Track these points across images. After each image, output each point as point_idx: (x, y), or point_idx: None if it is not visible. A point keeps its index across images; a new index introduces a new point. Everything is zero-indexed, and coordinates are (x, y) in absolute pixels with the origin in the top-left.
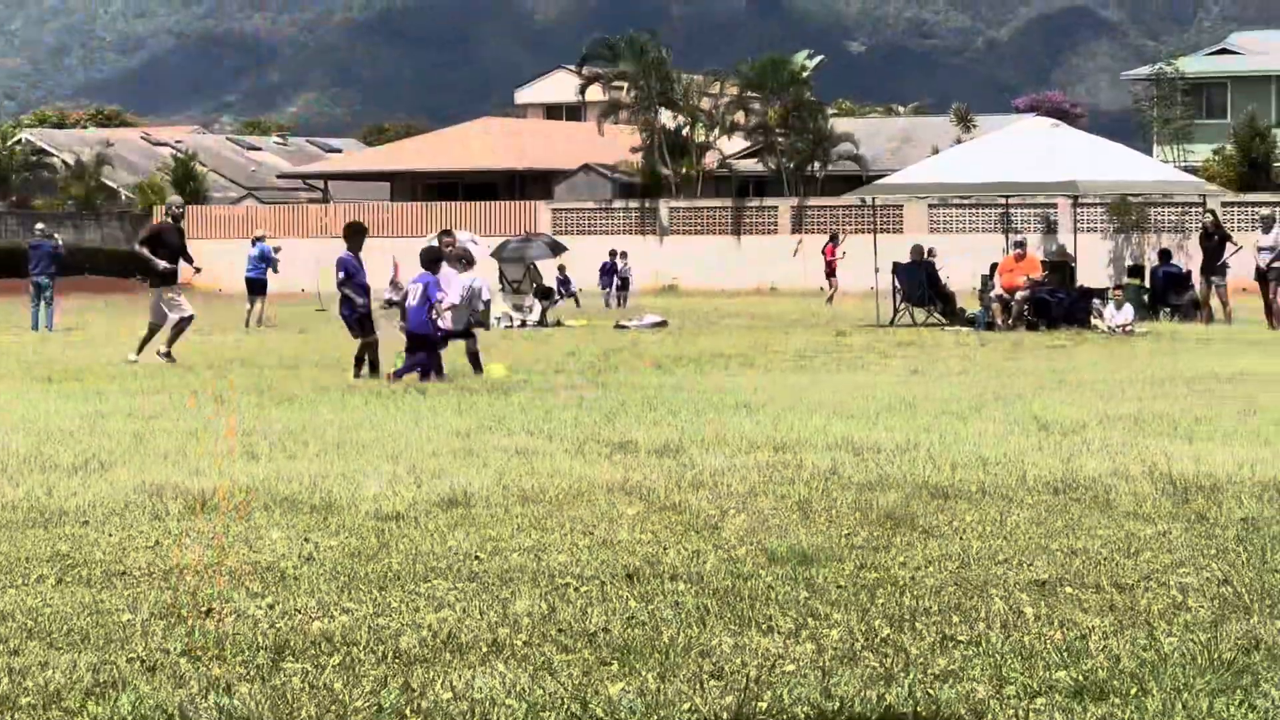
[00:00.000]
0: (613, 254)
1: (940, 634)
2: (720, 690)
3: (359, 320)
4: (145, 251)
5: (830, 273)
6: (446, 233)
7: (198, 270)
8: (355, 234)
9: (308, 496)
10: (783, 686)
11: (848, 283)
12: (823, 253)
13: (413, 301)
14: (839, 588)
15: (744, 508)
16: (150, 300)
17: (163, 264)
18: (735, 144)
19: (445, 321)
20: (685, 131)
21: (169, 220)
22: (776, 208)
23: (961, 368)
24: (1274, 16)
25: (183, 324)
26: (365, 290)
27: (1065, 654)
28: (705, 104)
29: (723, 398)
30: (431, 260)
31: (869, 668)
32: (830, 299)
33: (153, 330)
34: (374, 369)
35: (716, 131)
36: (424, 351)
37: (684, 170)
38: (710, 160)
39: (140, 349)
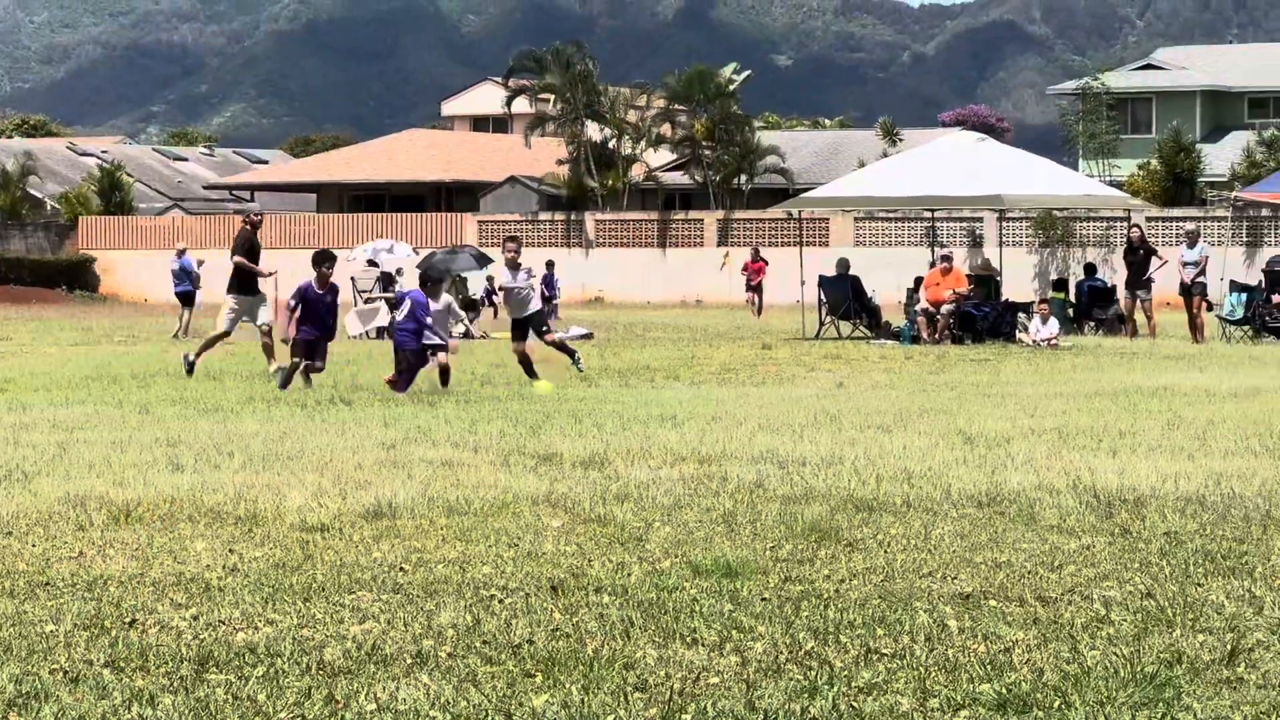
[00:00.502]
0: (550, 265)
1: (864, 647)
2: (644, 702)
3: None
4: (246, 262)
5: (752, 287)
6: (512, 239)
7: (271, 274)
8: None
9: (232, 508)
10: (707, 699)
11: (772, 294)
12: (744, 269)
13: (400, 317)
14: (763, 600)
15: (669, 520)
16: (237, 308)
17: (267, 270)
18: (661, 156)
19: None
20: (612, 144)
21: (249, 229)
22: (702, 220)
23: (887, 381)
24: (1199, 32)
25: (219, 339)
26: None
27: (989, 667)
28: (632, 116)
29: (648, 410)
30: (429, 280)
31: (793, 680)
32: (759, 312)
33: (224, 335)
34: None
35: (643, 144)
36: (414, 366)
37: (610, 183)
38: (636, 173)
39: (273, 366)
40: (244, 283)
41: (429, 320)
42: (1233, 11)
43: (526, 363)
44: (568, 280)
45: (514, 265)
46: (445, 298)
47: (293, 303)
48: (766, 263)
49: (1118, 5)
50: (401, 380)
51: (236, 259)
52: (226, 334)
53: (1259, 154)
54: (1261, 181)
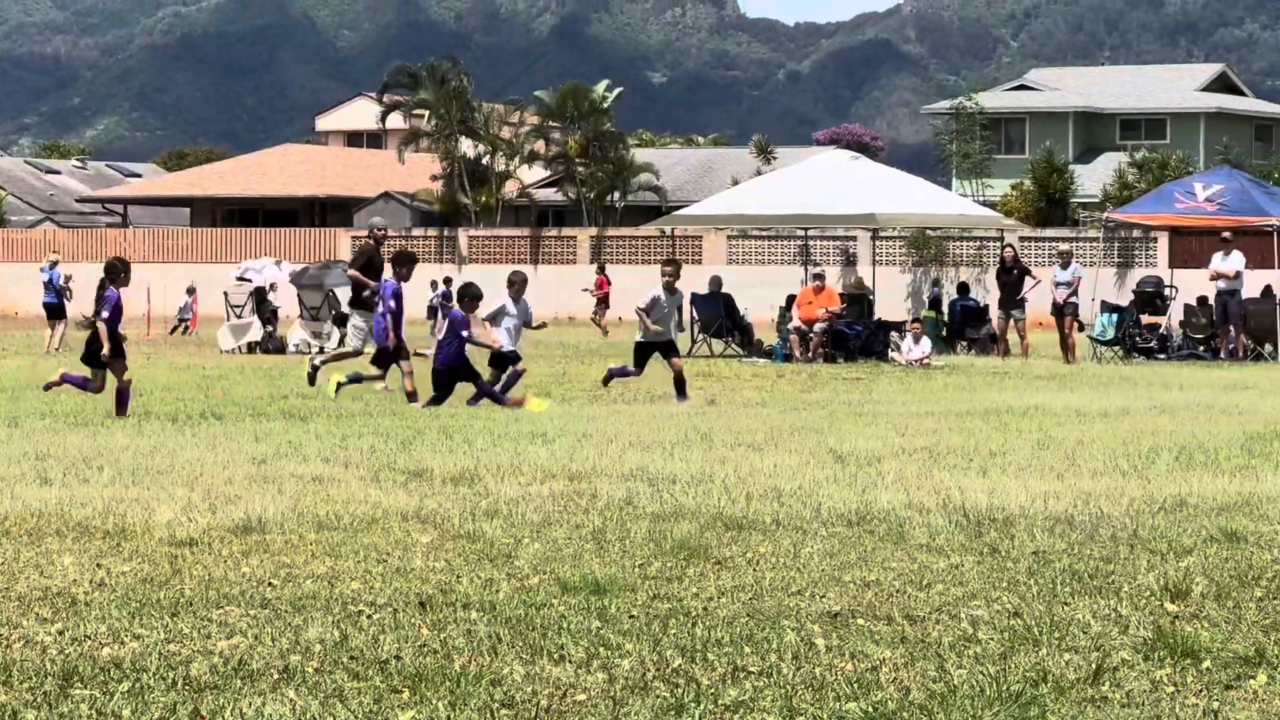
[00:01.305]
0: (448, 282)
1: (732, 665)
2: (511, 719)
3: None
4: (362, 277)
5: (604, 304)
6: (670, 262)
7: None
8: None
9: (101, 522)
10: (573, 716)
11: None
12: (594, 287)
13: (440, 335)
14: (631, 618)
15: (538, 537)
16: (363, 326)
17: (375, 285)
18: (535, 173)
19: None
20: (485, 160)
21: (371, 243)
22: (575, 237)
23: (758, 399)
24: (1072, 54)
25: (349, 357)
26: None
27: (856, 685)
28: (506, 133)
29: (519, 427)
30: (470, 297)
31: (660, 698)
32: (605, 331)
33: (355, 354)
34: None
35: (517, 160)
36: (450, 383)
37: (484, 199)
38: (510, 189)
39: (382, 377)
40: (365, 298)
41: (472, 334)
42: (1105, 34)
43: (681, 381)
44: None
45: (670, 289)
46: (521, 305)
47: (394, 304)
48: (609, 280)
49: (992, 26)
50: (438, 398)
51: (351, 272)
52: (357, 353)
53: (1130, 175)
54: (1133, 203)
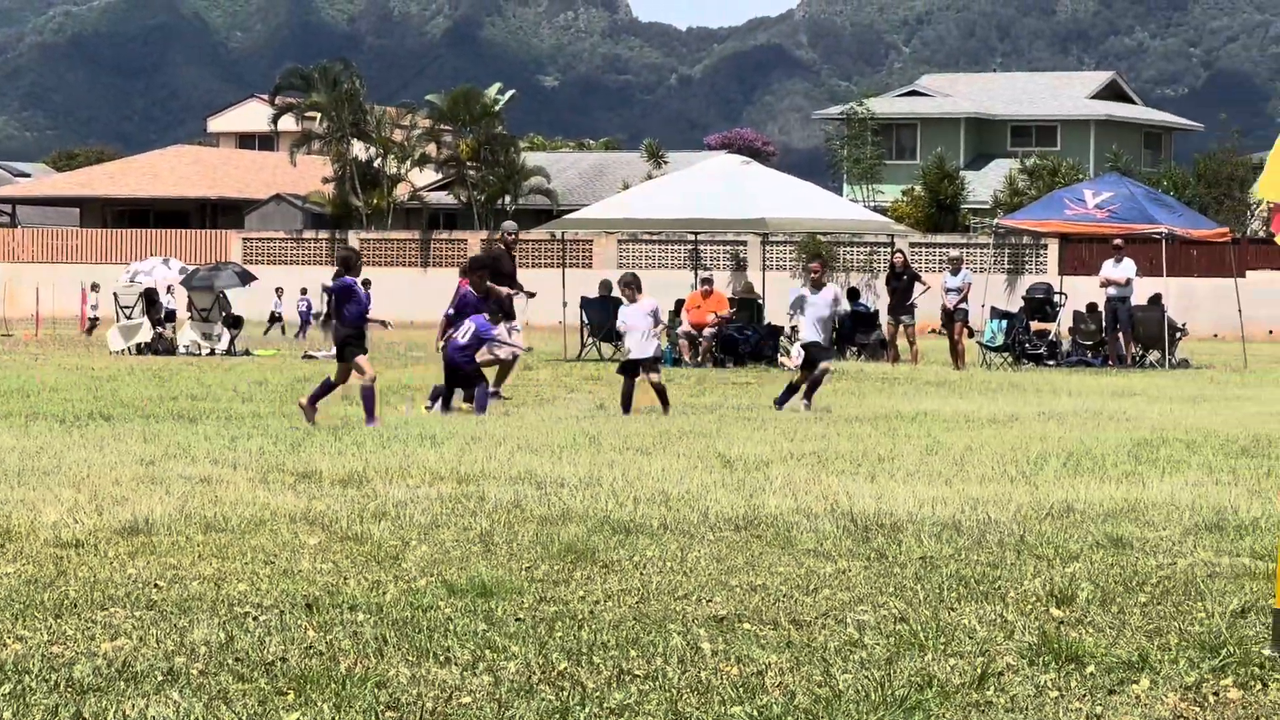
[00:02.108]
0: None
1: (617, 668)
2: None
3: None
4: (496, 287)
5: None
6: (815, 258)
7: (531, 295)
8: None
9: None
10: (458, 718)
11: (535, 315)
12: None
13: (462, 340)
14: (518, 620)
15: (426, 539)
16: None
17: (507, 291)
18: (427, 176)
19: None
20: (377, 163)
21: (501, 246)
22: (466, 241)
23: (647, 403)
24: (964, 60)
25: (510, 363)
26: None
27: (741, 689)
28: (398, 136)
29: (408, 429)
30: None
31: (545, 701)
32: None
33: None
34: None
35: (408, 164)
36: (474, 383)
37: (375, 201)
38: (401, 192)
39: (498, 383)
40: (503, 304)
41: (495, 333)
42: (997, 40)
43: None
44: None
45: (819, 285)
46: (654, 308)
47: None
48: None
49: (884, 32)
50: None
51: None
52: (514, 358)
53: (1021, 182)
54: (1023, 209)
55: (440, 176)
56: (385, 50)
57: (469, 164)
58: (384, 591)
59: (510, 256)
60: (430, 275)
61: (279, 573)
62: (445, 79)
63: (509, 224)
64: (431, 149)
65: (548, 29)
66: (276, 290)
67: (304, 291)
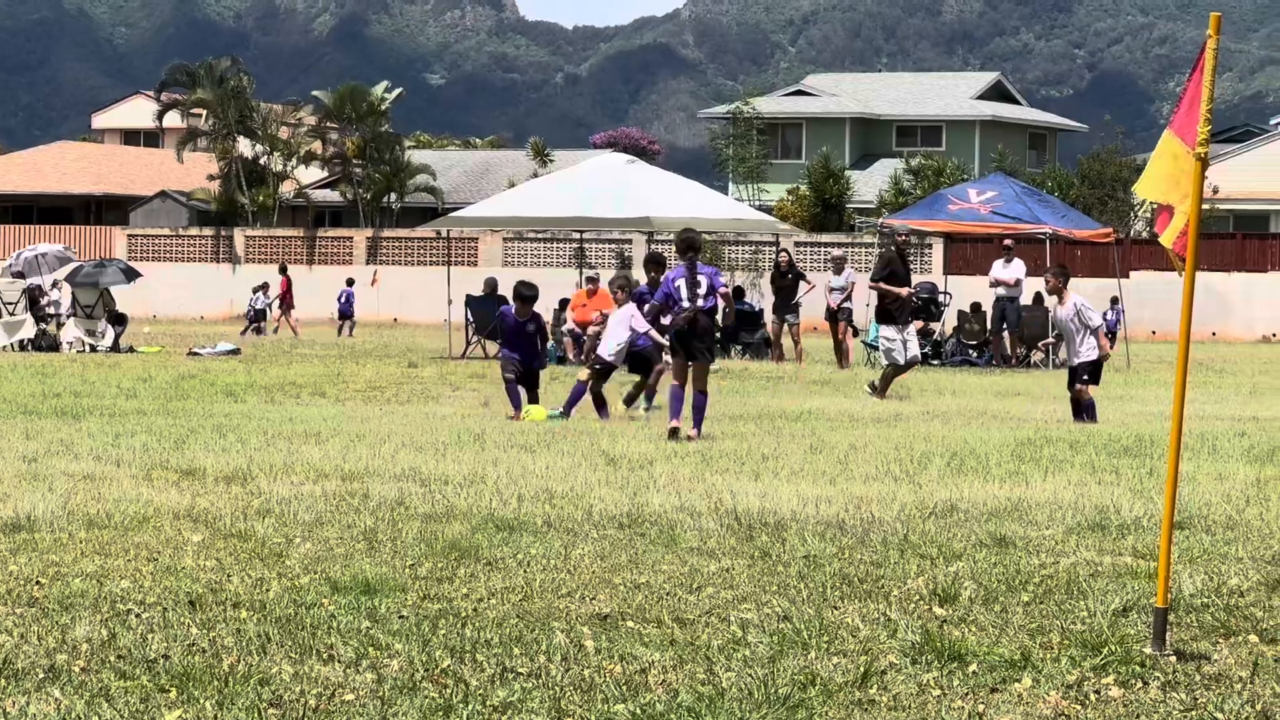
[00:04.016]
0: (349, 283)
1: (501, 665)
2: (279, 718)
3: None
4: (888, 287)
5: (286, 306)
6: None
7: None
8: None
9: None
10: (341, 716)
11: (420, 313)
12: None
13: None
14: (401, 618)
15: (310, 536)
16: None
17: (904, 291)
18: (313, 173)
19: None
20: (263, 160)
21: (892, 249)
22: (352, 238)
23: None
24: (849, 60)
25: (900, 370)
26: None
27: (624, 687)
28: (284, 133)
29: (293, 426)
30: (521, 298)
31: (429, 698)
32: (276, 329)
33: (897, 370)
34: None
35: (294, 161)
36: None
37: (261, 199)
38: (287, 189)
39: (883, 389)
40: (888, 309)
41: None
42: (883, 41)
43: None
44: (217, 297)
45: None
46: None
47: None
48: (290, 280)
49: (770, 31)
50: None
51: (877, 283)
52: (897, 368)
53: (906, 182)
54: (907, 209)
55: (326, 174)
56: (271, 47)
57: (355, 161)
58: (267, 589)
59: (903, 259)
60: (316, 272)
61: (162, 570)
62: (332, 76)
63: (897, 223)
64: (317, 146)
65: (434, 27)
66: (261, 287)
67: (264, 288)
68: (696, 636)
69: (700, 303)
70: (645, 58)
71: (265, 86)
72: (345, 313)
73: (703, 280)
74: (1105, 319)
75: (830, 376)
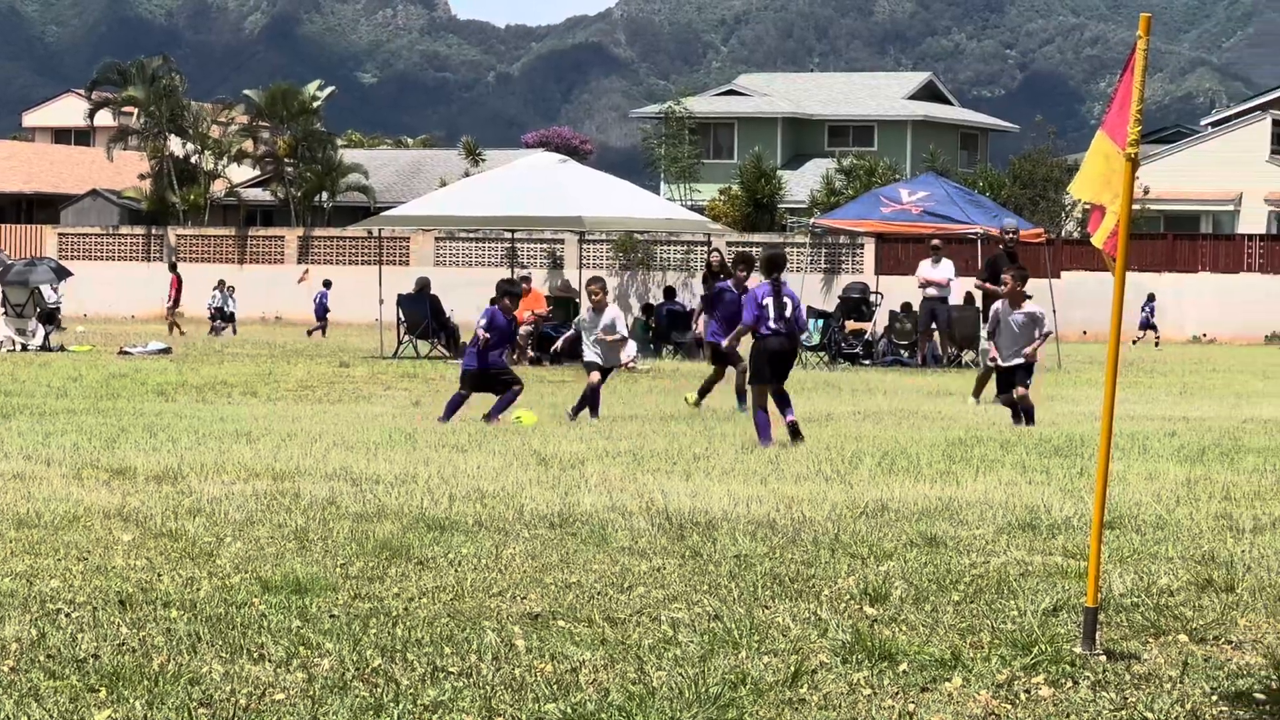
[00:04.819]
0: (327, 285)
1: (431, 665)
2: (209, 718)
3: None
4: (991, 287)
5: (175, 304)
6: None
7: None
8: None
9: None
10: (271, 715)
11: (352, 312)
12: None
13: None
14: (332, 617)
15: (240, 535)
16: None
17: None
18: (244, 172)
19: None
20: (194, 159)
21: (1001, 249)
22: (283, 237)
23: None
24: (781, 60)
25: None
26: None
27: (555, 686)
28: (215, 132)
29: (224, 426)
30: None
31: (359, 697)
32: (180, 330)
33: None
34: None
35: (225, 160)
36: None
37: (192, 197)
38: (219, 188)
39: (977, 391)
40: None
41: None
42: (815, 41)
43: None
44: (149, 295)
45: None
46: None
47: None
48: (180, 277)
49: (702, 31)
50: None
51: (980, 283)
52: (990, 371)
53: (838, 181)
54: (839, 209)
55: (258, 173)
56: (203, 45)
57: (287, 160)
58: (198, 588)
59: (1011, 255)
60: (246, 271)
61: (92, 569)
62: (263, 75)
63: (1009, 221)
64: (249, 145)
65: (366, 25)
66: (226, 287)
67: (220, 285)
68: (627, 636)
69: (783, 326)
70: (577, 57)
71: (197, 85)
72: (320, 314)
73: (786, 304)
74: (1145, 312)
75: None
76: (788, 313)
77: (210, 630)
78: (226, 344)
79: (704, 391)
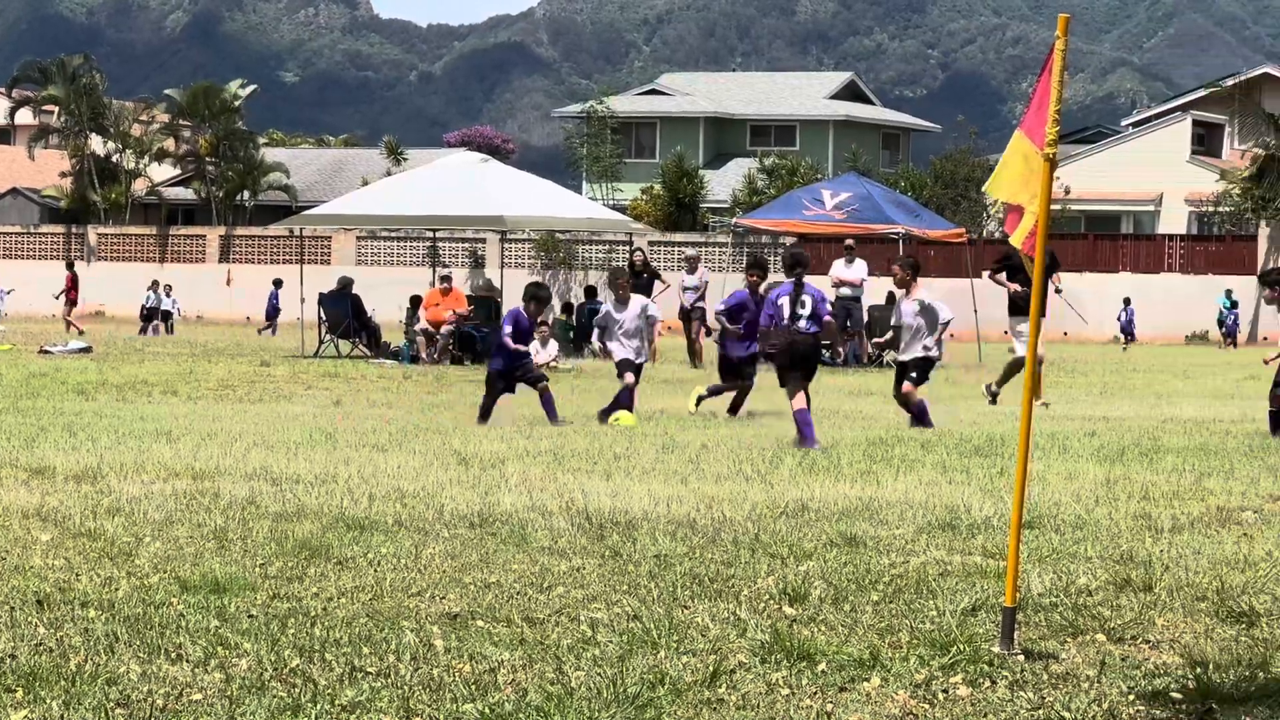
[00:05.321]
0: (277, 284)
1: (350, 665)
2: (126, 718)
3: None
4: (1003, 278)
5: (69, 302)
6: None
7: (1058, 290)
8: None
9: None
10: (189, 715)
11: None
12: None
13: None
14: (251, 617)
15: (159, 535)
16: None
17: (1014, 287)
18: (166, 171)
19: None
20: (115, 157)
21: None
22: (205, 236)
23: (384, 400)
24: (704, 59)
25: (1018, 364)
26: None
27: (473, 686)
28: (136, 130)
29: (144, 425)
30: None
31: (277, 698)
32: (70, 325)
33: (1014, 367)
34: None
35: (147, 158)
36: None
37: (113, 196)
38: (140, 187)
39: (999, 385)
40: (1015, 301)
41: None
42: (737, 40)
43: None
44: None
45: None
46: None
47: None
48: (76, 275)
49: (625, 30)
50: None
51: (999, 278)
52: (1018, 366)
53: (760, 181)
54: (761, 208)
55: (179, 171)
56: (124, 44)
57: (208, 159)
58: (116, 588)
59: (1019, 254)
60: (168, 270)
61: (9, 569)
62: (185, 73)
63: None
64: (170, 144)
65: (288, 24)
66: (161, 287)
67: (155, 285)
68: (546, 636)
69: (801, 324)
70: (499, 56)
71: (118, 84)
72: (271, 313)
73: (807, 301)
74: (1120, 319)
75: (684, 375)
76: (804, 311)
77: (128, 630)
78: (148, 343)
79: (734, 408)
